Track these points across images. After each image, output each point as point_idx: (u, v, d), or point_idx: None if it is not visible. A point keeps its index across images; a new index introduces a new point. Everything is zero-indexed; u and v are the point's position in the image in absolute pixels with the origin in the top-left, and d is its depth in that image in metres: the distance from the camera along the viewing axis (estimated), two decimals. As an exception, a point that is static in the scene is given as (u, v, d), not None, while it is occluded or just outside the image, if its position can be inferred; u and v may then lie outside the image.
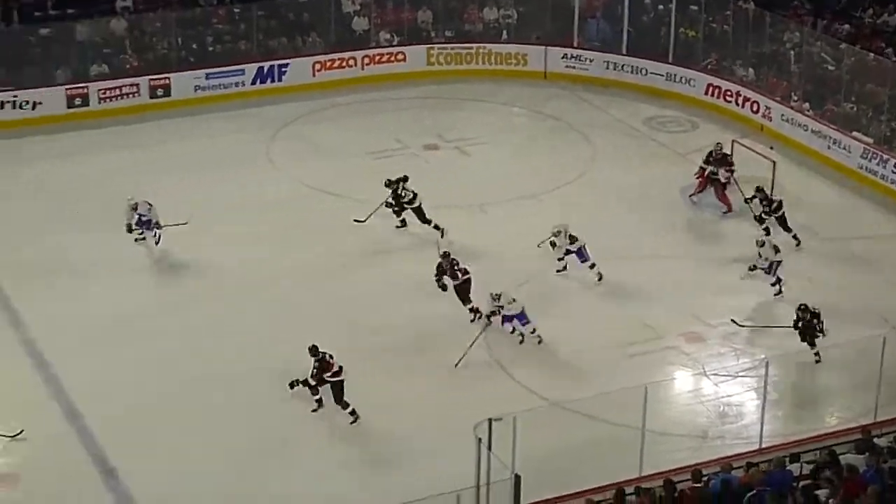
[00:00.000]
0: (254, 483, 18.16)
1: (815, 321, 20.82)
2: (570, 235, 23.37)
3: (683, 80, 32.15)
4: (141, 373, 20.52)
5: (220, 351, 21.12)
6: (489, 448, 15.51)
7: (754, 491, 15.53)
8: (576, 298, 23.11)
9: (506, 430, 15.94)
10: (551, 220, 24.16)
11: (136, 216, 23.92)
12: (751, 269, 23.13)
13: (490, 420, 15.66)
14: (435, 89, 32.73)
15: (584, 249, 23.36)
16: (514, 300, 21.36)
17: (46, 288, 23.01)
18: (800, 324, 20.89)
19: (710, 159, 26.77)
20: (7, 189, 26.88)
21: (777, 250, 22.97)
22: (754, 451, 18.42)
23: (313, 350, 19.35)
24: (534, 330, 21.44)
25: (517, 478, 15.06)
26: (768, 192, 25.29)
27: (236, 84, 31.90)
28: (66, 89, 30.51)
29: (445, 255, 22.38)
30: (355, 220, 24.93)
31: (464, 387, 20.34)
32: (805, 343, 20.88)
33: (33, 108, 30.08)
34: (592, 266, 23.38)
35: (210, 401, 19.86)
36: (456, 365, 20.64)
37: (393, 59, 33.33)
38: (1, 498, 17.80)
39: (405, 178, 24.92)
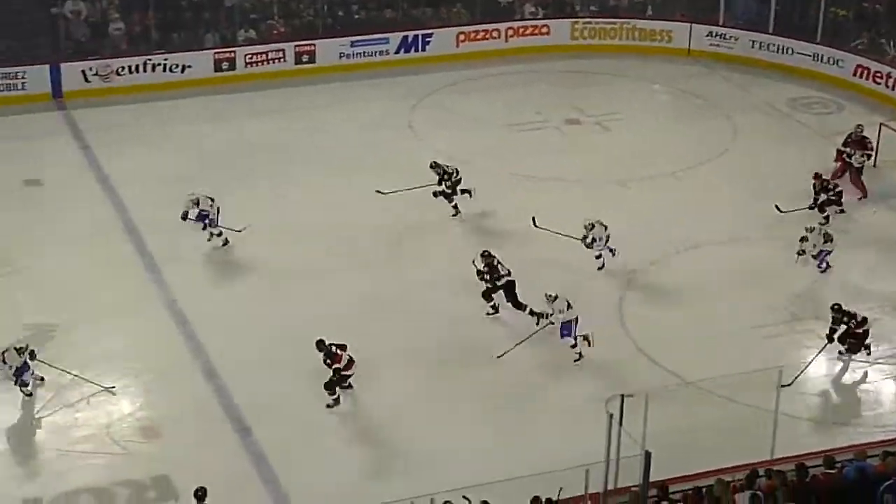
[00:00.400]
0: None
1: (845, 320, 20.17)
2: (593, 224, 22.45)
3: (831, 60, 31.56)
4: (278, 337, 20.80)
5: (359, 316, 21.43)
6: (620, 424, 15.49)
7: (891, 481, 15.26)
8: (711, 278, 22.86)
9: (637, 406, 15.94)
10: (687, 198, 23.96)
11: (197, 210, 23.21)
12: (799, 254, 22.59)
13: (622, 396, 15.64)
14: (577, 63, 32.65)
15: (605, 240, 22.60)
16: (569, 306, 20.01)
17: (189, 248, 23.45)
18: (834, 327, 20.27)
19: (848, 141, 26.31)
20: (156, 148, 27.52)
21: (827, 239, 22.55)
22: (892, 441, 17.97)
23: (319, 344, 19.01)
24: (574, 345, 20.16)
25: (647, 454, 15.03)
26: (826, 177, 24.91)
27: (380, 52, 32.21)
28: (215, 53, 31.12)
29: (486, 255, 21.23)
30: (378, 192, 24.67)
31: (597, 362, 20.34)
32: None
33: (182, 70, 30.76)
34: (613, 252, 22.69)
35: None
36: (498, 357, 20.25)
37: (537, 31, 33.34)
38: (141, 449, 18.32)
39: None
